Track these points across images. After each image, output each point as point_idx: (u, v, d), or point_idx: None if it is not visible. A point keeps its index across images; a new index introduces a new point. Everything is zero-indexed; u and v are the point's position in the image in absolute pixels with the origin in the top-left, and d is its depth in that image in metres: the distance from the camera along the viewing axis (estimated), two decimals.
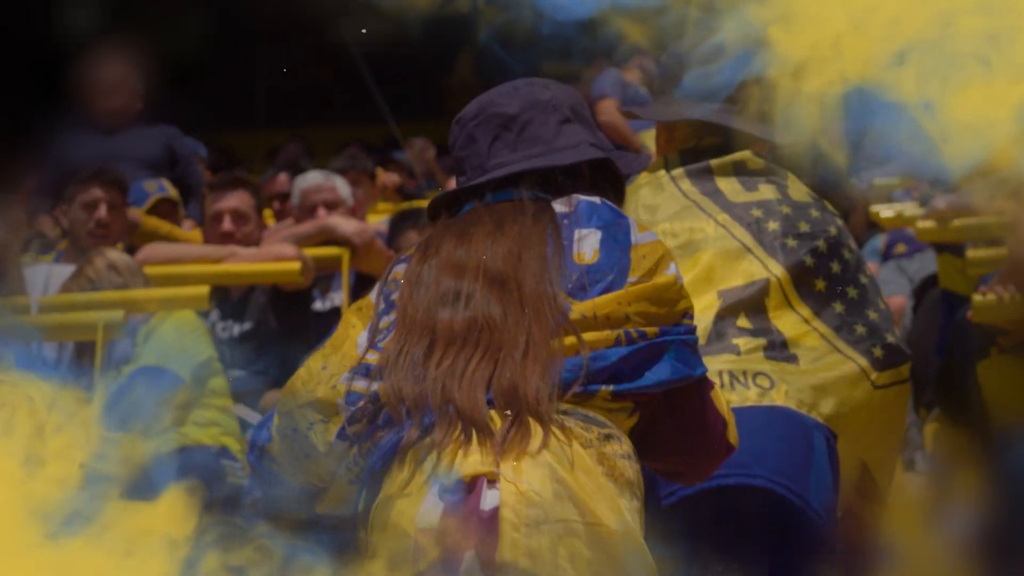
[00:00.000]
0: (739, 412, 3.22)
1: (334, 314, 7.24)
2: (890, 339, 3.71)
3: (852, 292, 3.70)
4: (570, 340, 2.87)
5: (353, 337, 2.99)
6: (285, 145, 12.22)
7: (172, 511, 2.85)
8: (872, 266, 7.77)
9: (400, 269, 3.03)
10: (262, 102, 14.79)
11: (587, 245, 2.98)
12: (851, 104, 3.22)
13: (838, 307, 3.68)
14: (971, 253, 6.11)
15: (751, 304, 3.62)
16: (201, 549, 2.80)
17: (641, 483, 2.88)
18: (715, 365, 3.50)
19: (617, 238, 2.99)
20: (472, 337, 2.88)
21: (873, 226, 7.85)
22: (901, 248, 7.72)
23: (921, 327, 6.83)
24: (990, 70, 3.13)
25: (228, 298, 6.92)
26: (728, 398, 3.33)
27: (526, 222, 3.00)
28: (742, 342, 3.58)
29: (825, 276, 3.69)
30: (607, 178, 3.15)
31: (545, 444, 2.76)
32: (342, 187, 7.52)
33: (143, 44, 8.02)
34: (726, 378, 3.53)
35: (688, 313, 2.99)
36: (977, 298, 5.54)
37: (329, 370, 2.95)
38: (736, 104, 3.76)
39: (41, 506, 2.80)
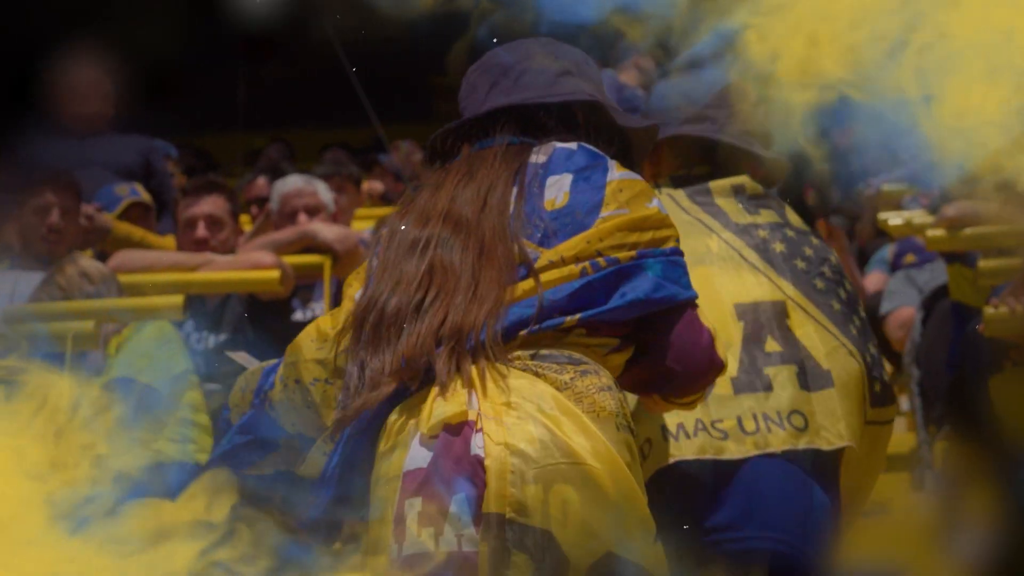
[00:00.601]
0: (737, 464, 3.31)
1: None
2: (885, 377, 3.69)
3: (857, 321, 3.68)
4: (529, 284, 2.87)
5: (351, 295, 3.06)
6: (265, 148, 12.11)
7: (192, 508, 2.95)
8: (881, 276, 7.70)
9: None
10: (241, 103, 14.64)
11: (557, 190, 2.98)
12: (849, 108, 3.15)
13: (853, 329, 3.64)
14: (983, 263, 6.03)
15: (775, 324, 3.55)
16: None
17: (626, 412, 2.88)
18: (745, 405, 3.44)
19: (590, 178, 2.98)
20: (426, 283, 2.90)
21: (881, 235, 7.78)
22: (910, 258, 7.66)
23: (931, 340, 6.75)
24: (995, 71, 3.05)
25: (204, 308, 6.75)
26: (723, 446, 3.37)
27: (495, 167, 3.02)
28: (773, 372, 3.49)
29: (837, 299, 3.66)
30: (605, 134, 3.13)
31: (483, 375, 2.76)
32: (323, 192, 7.39)
33: (118, 45, 7.89)
34: (761, 422, 3.39)
35: (675, 237, 2.98)
36: (989, 310, 5.49)
37: (335, 327, 3.02)
38: (721, 124, 3.75)
39: (58, 500, 2.84)
